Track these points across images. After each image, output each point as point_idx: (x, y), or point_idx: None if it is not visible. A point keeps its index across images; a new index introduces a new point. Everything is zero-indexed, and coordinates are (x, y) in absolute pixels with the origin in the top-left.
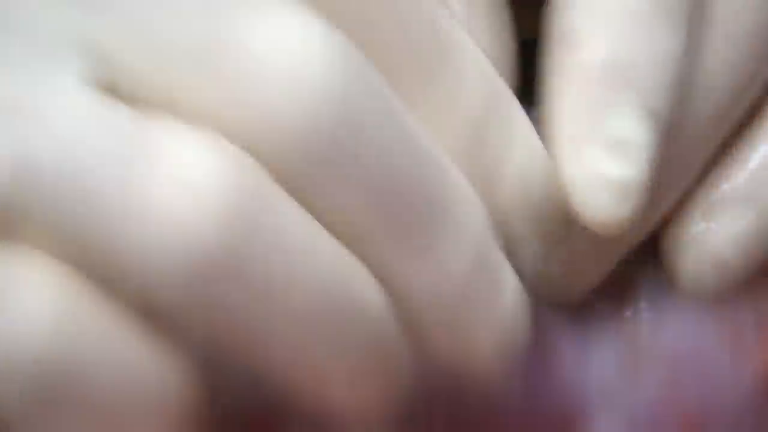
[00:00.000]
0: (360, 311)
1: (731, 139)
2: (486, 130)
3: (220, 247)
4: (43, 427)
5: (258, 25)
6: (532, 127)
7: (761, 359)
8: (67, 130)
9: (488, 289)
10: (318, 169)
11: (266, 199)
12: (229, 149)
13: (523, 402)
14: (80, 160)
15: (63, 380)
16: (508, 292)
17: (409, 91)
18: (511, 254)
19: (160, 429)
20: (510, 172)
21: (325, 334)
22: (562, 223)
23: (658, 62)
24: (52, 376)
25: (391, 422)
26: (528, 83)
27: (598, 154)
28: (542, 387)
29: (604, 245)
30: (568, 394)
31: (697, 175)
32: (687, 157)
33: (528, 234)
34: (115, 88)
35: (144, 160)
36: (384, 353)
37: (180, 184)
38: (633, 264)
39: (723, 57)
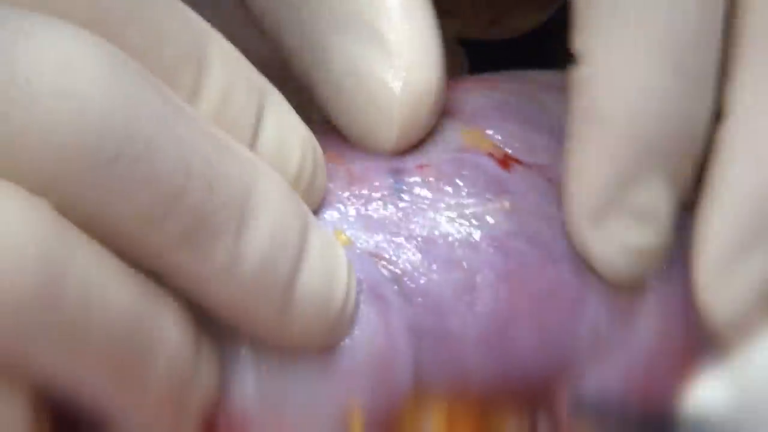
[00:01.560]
0: (155, 348)
1: None
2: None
3: (30, 300)
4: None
5: (21, 44)
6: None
7: None
8: None
9: (288, 265)
10: (99, 190)
11: (66, 248)
12: (23, 201)
13: (512, 355)
14: None
15: None
16: (313, 259)
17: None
18: None
19: None
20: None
21: (125, 371)
22: None
23: (684, 133)
24: None
25: None
26: None
27: (622, 224)
28: (531, 332)
29: None
30: (561, 342)
31: None
32: None
33: None
34: None
35: None
36: (182, 381)
37: None
38: None
39: None
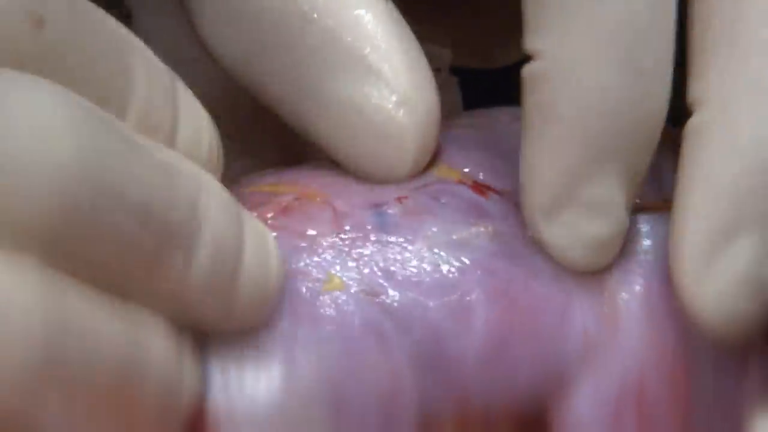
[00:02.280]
0: (146, 370)
1: None
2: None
3: (38, 360)
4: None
5: None
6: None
7: None
8: None
9: (230, 266)
10: (74, 239)
11: (60, 301)
12: (9, 263)
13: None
14: None
15: None
16: (250, 253)
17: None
18: None
19: None
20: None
21: (120, 400)
22: None
23: (637, 128)
24: None
25: None
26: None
27: (575, 216)
28: (526, 345)
29: None
30: (554, 352)
31: None
32: None
33: None
34: None
35: None
36: (170, 390)
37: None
38: None
39: None
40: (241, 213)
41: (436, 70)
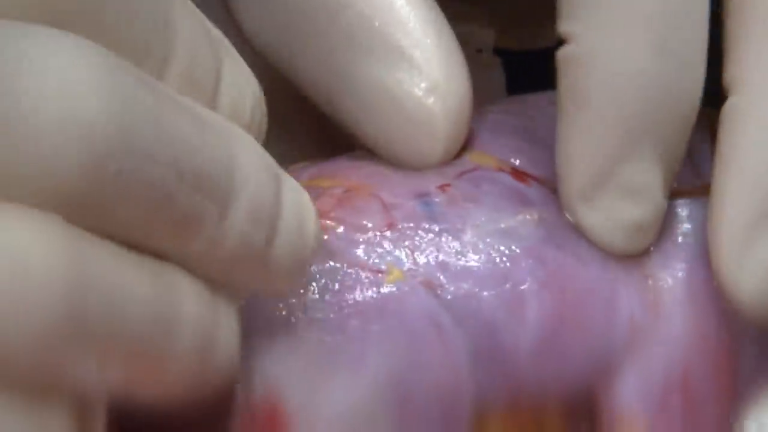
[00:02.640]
0: (178, 324)
1: None
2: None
3: (60, 314)
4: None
5: (23, 73)
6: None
7: None
8: None
9: (266, 229)
10: (102, 201)
11: (83, 256)
12: (35, 221)
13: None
14: None
15: None
16: (287, 215)
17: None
18: None
19: None
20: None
21: (154, 354)
22: None
23: (671, 113)
24: None
25: None
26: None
27: (612, 201)
28: (576, 334)
29: None
30: (602, 339)
31: None
32: None
33: None
34: None
35: None
36: (206, 344)
37: (19, 276)
38: None
39: None
40: (279, 173)
41: (479, 51)
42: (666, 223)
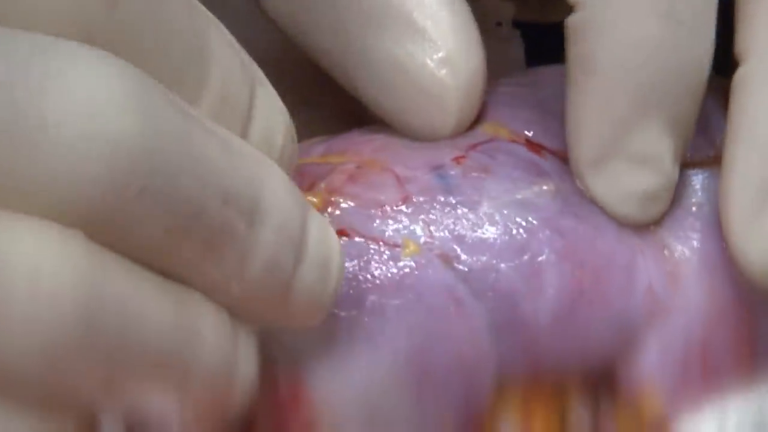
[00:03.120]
0: (196, 351)
1: None
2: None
3: (71, 327)
4: None
5: (50, 88)
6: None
7: None
8: None
9: (291, 260)
10: (125, 219)
11: (101, 272)
12: (57, 234)
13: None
14: None
15: None
16: (312, 249)
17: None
18: None
19: None
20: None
21: (169, 380)
22: None
23: (680, 81)
24: None
25: None
26: None
27: (623, 169)
28: (595, 305)
29: None
30: (622, 310)
31: None
32: None
33: None
34: None
35: None
36: (224, 375)
37: (31, 288)
38: None
39: None
40: (307, 207)
41: (498, 24)
42: (681, 193)
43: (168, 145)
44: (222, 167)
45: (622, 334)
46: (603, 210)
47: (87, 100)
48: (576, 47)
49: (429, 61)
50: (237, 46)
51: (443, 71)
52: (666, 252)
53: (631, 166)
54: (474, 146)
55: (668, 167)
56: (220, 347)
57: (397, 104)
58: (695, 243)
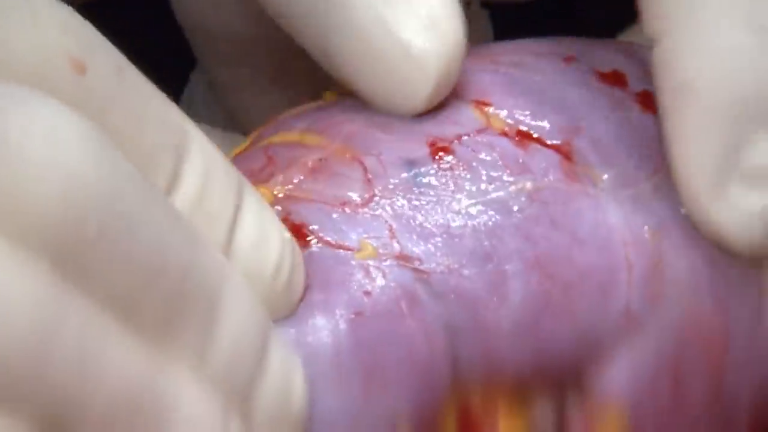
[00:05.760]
0: (169, 413)
1: None
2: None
3: (20, 356)
4: None
5: (13, 111)
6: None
7: None
8: None
9: (246, 375)
10: (85, 261)
11: (60, 307)
12: (20, 261)
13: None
14: None
15: None
16: (271, 378)
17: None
18: None
19: None
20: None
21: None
22: None
23: None
24: None
25: None
26: None
27: (743, 191)
28: (562, 320)
29: None
30: (592, 326)
31: None
32: None
33: None
34: None
35: None
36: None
37: None
38: None
39: None
40: (270, 335)
41: (466, 4)
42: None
43: (126, 193)
44: (184, 245)
45: (591, 348)
46: (589, 218)
47: (47, 128)
48: (668, 77)
49: (409, 27)
50: (221, 157)
51: (424, 37)
52: (659, 267)
53: (749, 186)
54: (459, 137)
55: None
56: (201, 424)
57: (374, 72)
58: (690, 259)
